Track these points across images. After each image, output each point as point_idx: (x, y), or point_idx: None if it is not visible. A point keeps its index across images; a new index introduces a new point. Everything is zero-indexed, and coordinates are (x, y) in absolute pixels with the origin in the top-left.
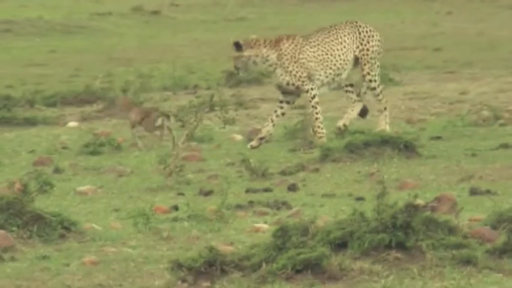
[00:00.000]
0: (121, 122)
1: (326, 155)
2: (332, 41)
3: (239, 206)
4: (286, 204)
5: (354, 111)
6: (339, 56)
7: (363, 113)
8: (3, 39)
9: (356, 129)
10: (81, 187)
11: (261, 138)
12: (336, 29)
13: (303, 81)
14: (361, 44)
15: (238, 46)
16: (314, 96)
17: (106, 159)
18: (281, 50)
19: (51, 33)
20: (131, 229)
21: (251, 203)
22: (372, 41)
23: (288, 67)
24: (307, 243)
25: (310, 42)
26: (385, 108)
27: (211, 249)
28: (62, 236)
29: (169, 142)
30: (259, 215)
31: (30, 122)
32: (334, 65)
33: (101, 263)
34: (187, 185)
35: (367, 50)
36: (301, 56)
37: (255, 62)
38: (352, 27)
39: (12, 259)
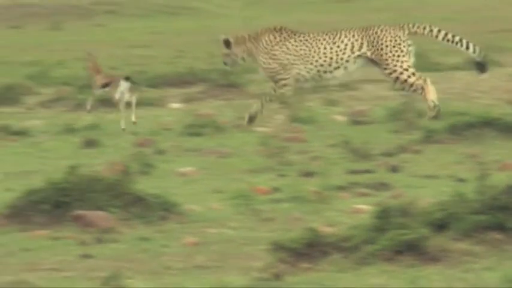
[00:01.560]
0: (223, 104)
1: (428, 137)
2: (324, 39)
3: (340, 187)
4: (387, 186)
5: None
6: (325, 54)
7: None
8: (108, 20)
9: (459, 111)
10: (183, 168)
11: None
12: (340, 31)
13: (275, 73)
14: (373, 46)
15: (227, 43)
16: (283, 87)
17: (208, 140)
18: (259, 43)
19: (155, 15)
20: (232, 210)
21: (352, 184)
22: (385, 40)
23: (261, 60)
24: (408, 224)
25: (297, 37)
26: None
27: (311, 230)
28: (163, 218)
29: (270, 122)
30: (360, 196)
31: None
32: (317, 61)
33: (201, 244)
34: (288, 166)
35: (380, 49)
36: (276, 48)
37: (243, 58)
38: (361, 31)
39: (113, 240)
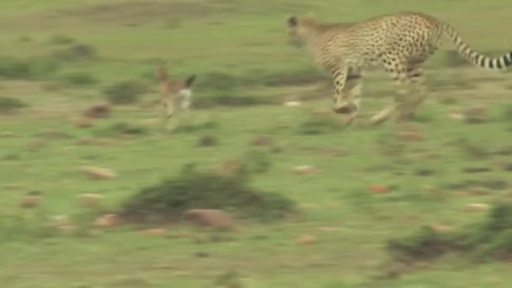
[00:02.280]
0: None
1: None
2: (363, 28)
3: (456, 186)
4: (503, 184)
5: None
6: (367, 41)
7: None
8: (225, 18)
9: None
10: (299, 167)
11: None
12: (376, 19)
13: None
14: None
15: (292, 21)
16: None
17: (324, 138)
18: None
19: (273, 12)
20: (348, 209)
21: (468, 182)
22: (390, 33)
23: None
24: None
25: (347, 29)
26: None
27: (427, 228)
28: (279, 216)
29: (388, 121)
30: (476, 195)
31: (250, 102)
32: (362, 49)
33: (317, 243)
34: (405, 165)
35: (385, 40)
36: (330, 43)
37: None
38: (391, 18)
39: (229, 239)
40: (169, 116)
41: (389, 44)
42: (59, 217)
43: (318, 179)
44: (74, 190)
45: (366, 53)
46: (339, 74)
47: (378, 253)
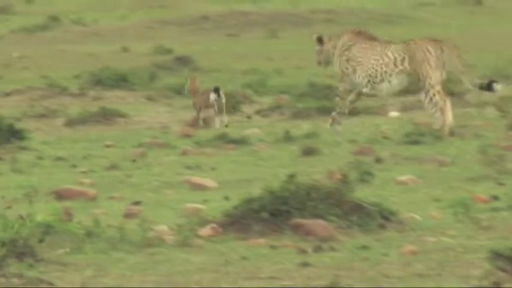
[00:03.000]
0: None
1: None
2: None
3: None
4: None
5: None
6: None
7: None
8: (325, 29)
9: None
10: (402, 177)
11: None
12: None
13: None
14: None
15: (319, 40)
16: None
17: (426, 148)
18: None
19: (372, 23)
20: (451, 219)
21: None
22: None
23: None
24: None
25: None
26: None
27: None
28: (382, 226)
29: (489, 131)
30: None
31: (351, 112)
32: (367, 71)
33: (420, 253)
34: (507, 175)
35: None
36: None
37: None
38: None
39: (332, 249)
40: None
41: None
42: (161, 227)
43: (420, 189)
44: (176, 200)
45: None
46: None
47: (480, 263)
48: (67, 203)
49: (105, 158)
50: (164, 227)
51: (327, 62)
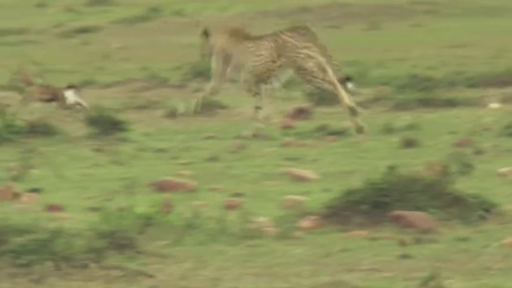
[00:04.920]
0: None
1: None
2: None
3: None
4: None
5: None
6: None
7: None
8: (426, 20)
9: None
10: (502, 169)
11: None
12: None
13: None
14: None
15: (205, 34)
16: None
17: None
18: None
19: (475, 15)
20: None
21: None
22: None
23: None
24: None
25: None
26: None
27: None
28: (482, 218)
29: None
30: None
31: (451, 103)
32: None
33: None
34: None
35: None
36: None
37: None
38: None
39: (432, 241)
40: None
41: None
42: (261, 219)
43: None
44: (276, 192)
45: None
46: None
47: None
48: (167, 195)
49: (206, 149)
50: (264, 219)
51: (210, 55)
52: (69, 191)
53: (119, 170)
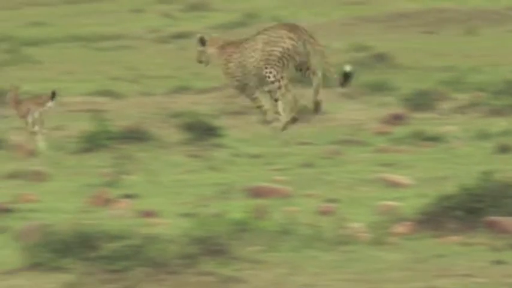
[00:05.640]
0: None
1: None
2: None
3: None
4: None
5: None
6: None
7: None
8: None
9: None
10: None
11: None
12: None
13: None
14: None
15: (202, 41)
16: None
17: None
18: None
19: None
20: None
21: None
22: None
23: None
24: None
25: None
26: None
27: None
28: None
29: None
30: None
31: None
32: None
33: None
34: None
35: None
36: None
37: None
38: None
39: None
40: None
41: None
42: (355, 225)
43: None
44: (370, 198)
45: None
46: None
47: None
48: (261, 201)
49: (300, 155)
50: (358, 225)
51: (207, 63)
52: (163, 196)
53: (213, 176)
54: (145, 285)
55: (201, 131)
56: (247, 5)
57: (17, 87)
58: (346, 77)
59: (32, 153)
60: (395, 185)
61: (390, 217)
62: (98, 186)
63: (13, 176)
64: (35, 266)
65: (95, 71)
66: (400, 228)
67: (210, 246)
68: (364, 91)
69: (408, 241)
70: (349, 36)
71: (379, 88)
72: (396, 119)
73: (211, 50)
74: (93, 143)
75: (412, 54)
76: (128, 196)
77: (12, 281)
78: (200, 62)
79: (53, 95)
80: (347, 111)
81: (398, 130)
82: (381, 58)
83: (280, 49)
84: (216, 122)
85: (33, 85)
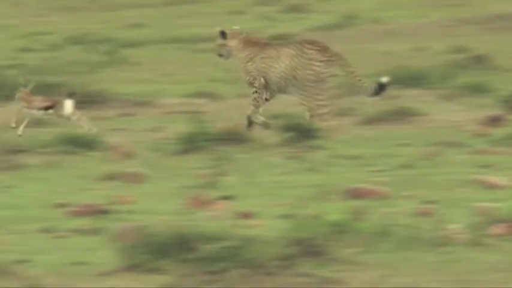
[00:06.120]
0: None
1: None
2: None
3: None
4: None
5: None
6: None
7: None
8: None
9: None
10: None
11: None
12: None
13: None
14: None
15: (223, 34)
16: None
17: None
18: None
19: None
20: None
21: None
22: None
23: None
24: None
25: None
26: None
27: None
28: None
29: None
30: None
31: None
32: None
33: None
34: None
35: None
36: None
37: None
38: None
39: None
40: None
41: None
42: (454, 226)
43: None
44: (468, 199)
45: None
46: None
47: None
48: (360, 202)
49: (399, 156)
50: (456, 226)
51: (228, 56)
52: (261, 198)
53: (311, 177)
54: (242, 286)
55: (300, 132)
56: (346, 7)
57: (28, 81)
58: (380, 88)
59: (129, 155)
60: (492, 186)
61: (487, 218)
62: (195, 188)
63: (110, 177)
64: (132, 268)
65: (193, 72)
66: (497, 230)
67: (307, 248)
68: (463, 93)
69: (505, 242)
70: (449, 38)
71: (477, 90)
72: (494, 121)
73: (232, 42)
74: (191, 144)
75: (511, 56)
76: (225, 198)
77: (109, 282)
78: (220, 55)
79: (70, 95)
80: (446, 113)
81: (497, 132)
82: (479, 60)
83: (313, 73)
84: (313, 124)
85: (130, 87)
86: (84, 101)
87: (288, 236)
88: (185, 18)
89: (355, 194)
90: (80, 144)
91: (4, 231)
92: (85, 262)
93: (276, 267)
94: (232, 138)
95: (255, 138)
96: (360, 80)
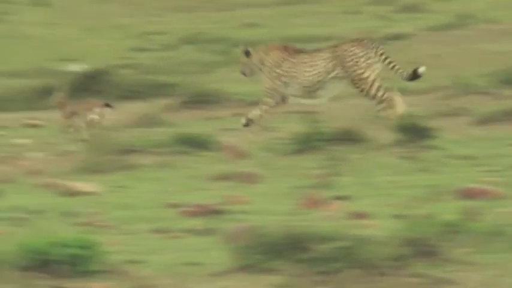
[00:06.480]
0: None
1: None
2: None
3: None
4: None
5: None
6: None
7: None
8: None
9: None
10: None
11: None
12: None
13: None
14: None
15: (247, 53)
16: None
17: None
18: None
19: None
20: None
21: None
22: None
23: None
24: None
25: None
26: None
27: None
28: None
29: None
30: None
31: None
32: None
33: None
34: None
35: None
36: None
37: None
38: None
39: None
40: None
41: None
42: None
43: None
44: None
45: None
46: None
47: None
48: (472, 202)
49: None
50: None
51: (251, 73)
52: (375, 198)
53: (424, 177)
54: (356, 287)
55: (414, 132)
56: (461, 6)
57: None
58: (414, 75)
59: (243, 155)
60: None
61: None
62: (308, 188)
63: (223, 177)
64: (245, 268)
65: None
66: None
67: (421, 248)
68: None
69: None
70: None
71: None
72: None
73: (256, 58)
74: (305, 144)
75: None
76: (339, 198)
77: (222, 282)
78: (244, 74)
79: (107, 105)
80: None
81: None
82: None
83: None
84: (429, 124)
85: (244, 86)
86: (198, 101)
87: (401, 236)
88: (300, 18)
89: (468, 194)
90: (194, 144)
91: (117, 232)
92: (198, 262)
93: (389, 267)
94: (346, 138)
95: (370, 138)
96: (398, 69)
